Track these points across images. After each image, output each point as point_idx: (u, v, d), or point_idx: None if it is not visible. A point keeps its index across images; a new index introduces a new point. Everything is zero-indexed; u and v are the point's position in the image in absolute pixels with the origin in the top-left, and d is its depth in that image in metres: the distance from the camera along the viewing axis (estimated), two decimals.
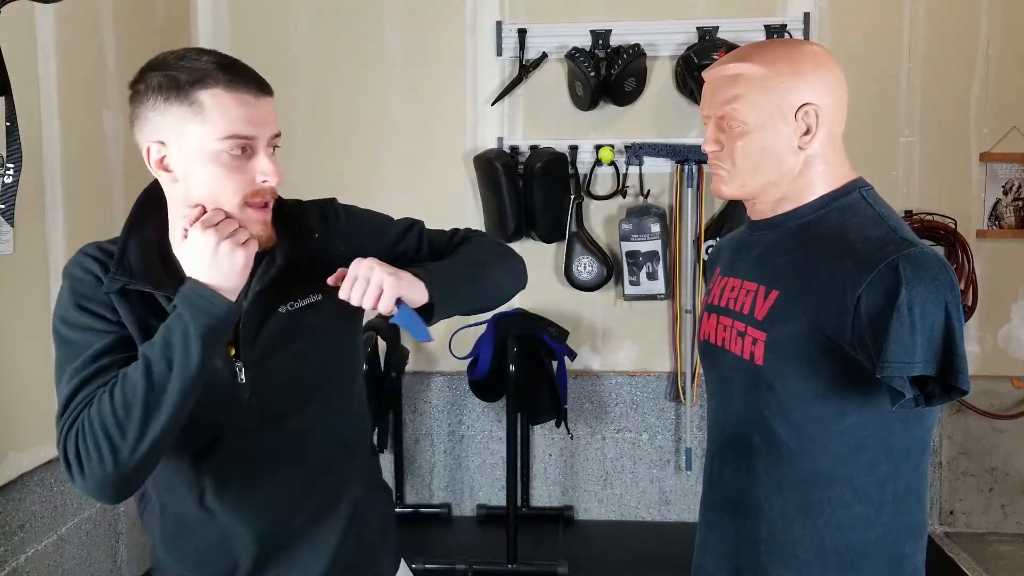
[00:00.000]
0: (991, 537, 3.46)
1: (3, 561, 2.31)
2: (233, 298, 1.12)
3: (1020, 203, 3.39)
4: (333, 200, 1.38)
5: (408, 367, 3.46)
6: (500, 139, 3.45)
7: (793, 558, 1.24)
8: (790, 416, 1.22)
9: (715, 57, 3.19)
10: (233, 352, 1.21)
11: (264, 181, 1.16)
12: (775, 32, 3.31)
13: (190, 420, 1.14)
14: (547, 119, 3.46)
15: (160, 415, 1.07)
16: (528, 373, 3.22)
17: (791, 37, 3.31)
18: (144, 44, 3.07)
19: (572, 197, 3.39)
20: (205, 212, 1.14)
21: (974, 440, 3.48)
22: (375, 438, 3.20)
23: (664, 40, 3.36)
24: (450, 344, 3.32)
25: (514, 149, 3.43)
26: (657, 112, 3.42)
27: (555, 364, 3.32)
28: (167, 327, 1.10)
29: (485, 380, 3.26)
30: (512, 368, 3.10)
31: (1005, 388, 3.45)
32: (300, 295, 1.26)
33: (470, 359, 3.31)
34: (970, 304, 3.35)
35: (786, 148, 1.24)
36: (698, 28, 3.33)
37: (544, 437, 3.60)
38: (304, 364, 1.27)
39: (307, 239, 1.27)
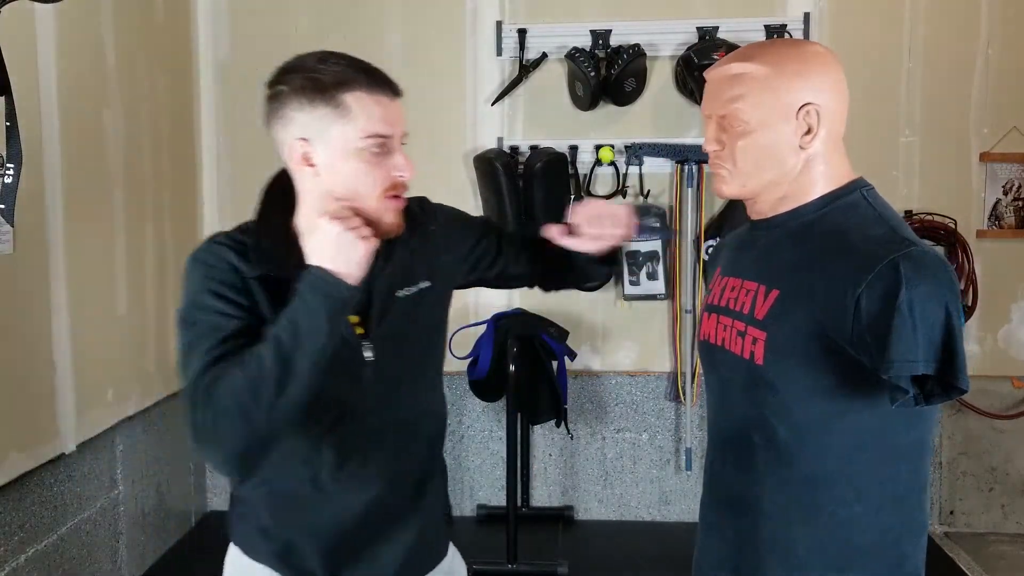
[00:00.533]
0: (991, 537, 3.46)
1: (3, 561, 2.31)
2: (352, 284, 1.19)
3: (1020, 203, 3.39)
4: (425, 198, 1.47)
5: None
6: (500, 139, 3.45)
7: (793, 557, 1.24)
8: (791, 415, 1.22)
9: (715, 57, 3.19)
10: (361, 331, 1.31)
11: (400, 176, 1.26)
12: (775, 32, 3.31)
13: (316, 400, 1.20)
14: (547, 119, 3.46)
15: (289, 391, 1.14)
16: (528, 373, 3.22)
17: (791, 37, 3.31)
18: (144, 44, 3.07)
19: (572, 197, 3.39)
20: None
21: (974, 440, 3.48)
22: None
23: (664, 40, 3.36)
24: (450, 344, 3.31)
25: (514, 149, 3.43)
26: (657, 112, 3.42)
27: (555, 364, 3.32)
28: (293, 310, 1.17)
29: (485, 380, 3.25)
30: (512, 368, 3.10)
31: (1005, 388, 3.45)
32: (414, 281, 1.37)
33: (470, 359, 3.31)
34: (970, 304, 3.35)
35: (787, 148, 1.24)
36: (698, 28, 3.33)
37: (544, 437, 3.60)
38: (417, 345, 1.39)
39: (421, 229, 1.39)
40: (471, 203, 3.47)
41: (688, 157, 3.37)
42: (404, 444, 1.38)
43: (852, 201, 1.24)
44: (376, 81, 1.24)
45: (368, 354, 1.30)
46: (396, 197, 1.27)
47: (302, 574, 1.37)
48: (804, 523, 1.23)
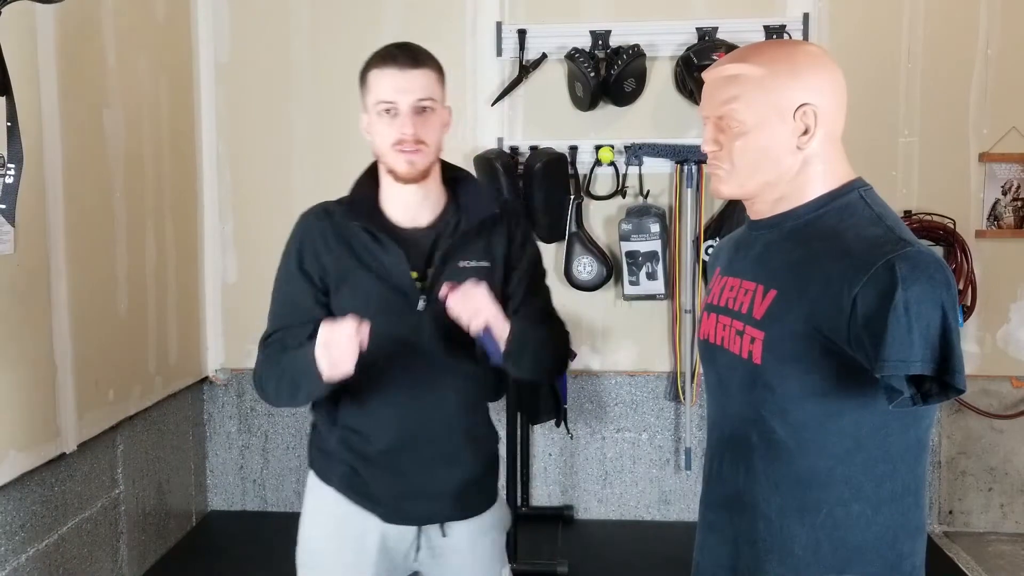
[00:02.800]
0: (990, 537, 3.46)
1: (3, 561, 2.32)
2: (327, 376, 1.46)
3: (1019, 203, 3.39)
4: (520, 211, 1.79)
5: None
6: (500, 139, 3.45)
7: (791, 556, 1.24)
8: (788, 415, 1.22)
9: (715, 57, 3.19)
10: (419, 286, 1.56)
11: (402, 133, 1.51)
12: (775, 32, 3.31)
13: (376, 336, 1.44)
14: (547, 119, 3.46)
15: (296, 395, 1.54)
16: None
17: (790, 37, 3.31)
18: (144, 44, 3.07)
19: (572, 197, 3.39)
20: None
21: (973, 440, 3.48)
22: None
23: (664, 40, 3.36)
24: None
25: (514, 149, 3.43)
26: (657, 112, 3.43)
27: None
28: (300, 366, 1.49)
29: None
30: None
31: (1005, 388, 3.45)
32: (476, 257, 1.59)
33: None
34: (969, 304, 3.35)
35: (784, 148, 1.24)
36: (698, 28, 3.33)
37: (544, 437, 3.60)
38: None
39: (501, 224, 1.62)
40: None
41: (688, 157, 3.37)
42: (452, 391, 1.59)
43: (849, 201, 1.24)
44: (385, 59, 1.53)
45: (421, 304, 1.55)
46: (403, 151, 1.51)
47: (365, 498, 1.60)
48: (801, 522, 1.23)
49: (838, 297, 1.14)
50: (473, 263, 1.58)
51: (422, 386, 1.57)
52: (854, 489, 1.21)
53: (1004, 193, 3.39)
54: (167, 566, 3.18)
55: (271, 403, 1.61)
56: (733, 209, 3.31)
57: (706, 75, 1.31)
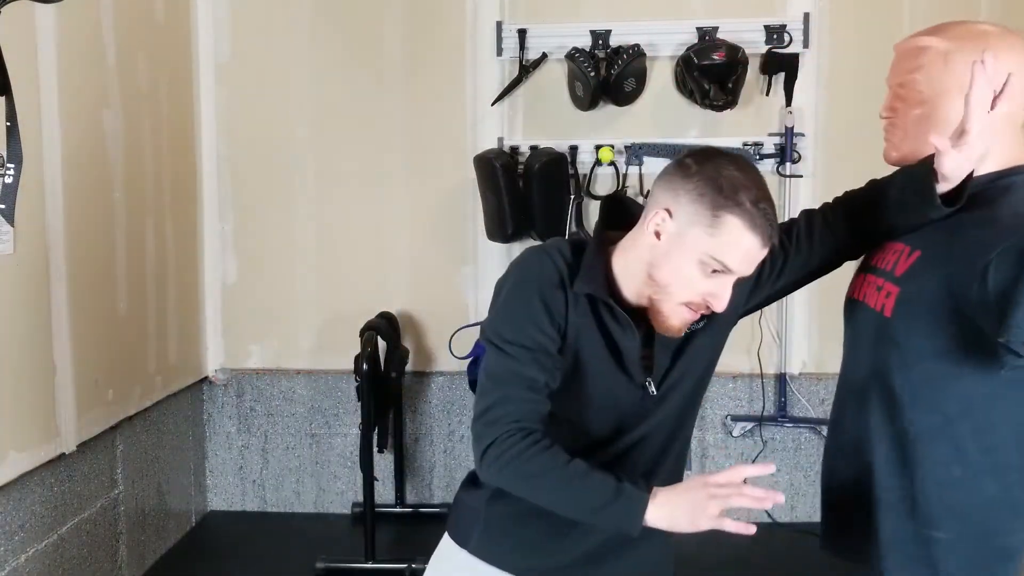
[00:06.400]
0: None
1: (3, 561, 2.32)
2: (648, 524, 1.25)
3: None
4: None
5: (408, 367, 3.46)
6: (500, 139, 3.45)
7: (891, 507, 1.30)
8: (908, 370, 1.28)
9: (715, 57, 3.19)
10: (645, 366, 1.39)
11: (709, 306, 1.30)
12: (775, 33, 3.31)
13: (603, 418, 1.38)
14: (547, 119, 3.45)
15: (553, 505, 1.31)
16: None
17: (791, 37, 3.31)
18: (144, 44, 3.07)
19: (572, 197, 3.39)
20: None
21: None
22: (375, 438, 3.20)
23: (664, 40, 3.36)
24: (450, 344, 3.31)
25: (514, 149, 3.43)
26: (657, 112, 3.42)
27: None
28: (614, 489, 1.25)
29: None
30: None
31: None
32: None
33: (470, 359, 3.30)
34: None
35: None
36: (698, 28, 3.32)
37: None
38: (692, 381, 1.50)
39: None
40: (471, 203, 3.47)
41: None
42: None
43: (1013, 182, 1.27)
44: (759, 224, 1.25)
45: (652, 389, 1.38)
46: (692, 314, 1.31)
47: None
48: (903, 473, 1.29)
49: (972, 262, 1.17)
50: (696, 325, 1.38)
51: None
52: (959, 452, 1.25)
53: None
54: (166, 566, 3.18)
55: (499, 482, 1.36)
56: None
57: (897, 45, 1.36)
